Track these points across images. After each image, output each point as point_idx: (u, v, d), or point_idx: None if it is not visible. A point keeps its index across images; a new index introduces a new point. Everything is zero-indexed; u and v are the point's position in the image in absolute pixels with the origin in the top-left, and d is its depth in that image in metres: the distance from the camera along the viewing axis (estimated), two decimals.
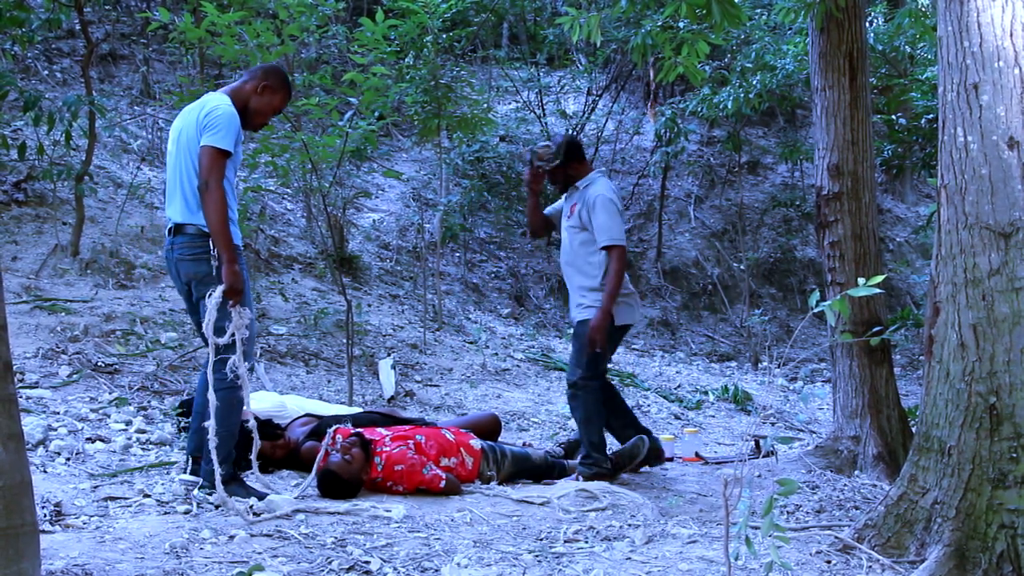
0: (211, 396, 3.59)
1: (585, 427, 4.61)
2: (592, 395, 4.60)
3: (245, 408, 3.76)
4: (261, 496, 3.73)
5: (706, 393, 8.09)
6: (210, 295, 3.62)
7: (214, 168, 3.64)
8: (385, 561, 3.07)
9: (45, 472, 3.96)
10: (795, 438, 6.39)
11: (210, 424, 3.56)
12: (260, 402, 4.80)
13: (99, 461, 4.25)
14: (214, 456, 3.57)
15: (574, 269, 4.75)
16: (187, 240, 3.75)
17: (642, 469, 4.88)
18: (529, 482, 4.55)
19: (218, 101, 3.80)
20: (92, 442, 4.50)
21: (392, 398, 6.43)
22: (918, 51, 10.86)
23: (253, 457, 3.74)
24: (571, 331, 4.78)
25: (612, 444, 5.07)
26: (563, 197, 4.94)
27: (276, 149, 6.50)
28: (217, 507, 3.65)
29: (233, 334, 3.62)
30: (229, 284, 3.62)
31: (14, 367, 2.33)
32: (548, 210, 5.08)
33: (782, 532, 2.30)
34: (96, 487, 3.85)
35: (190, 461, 3.92)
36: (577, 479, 4.46)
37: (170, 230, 3.83)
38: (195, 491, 3.76)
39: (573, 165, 4.83)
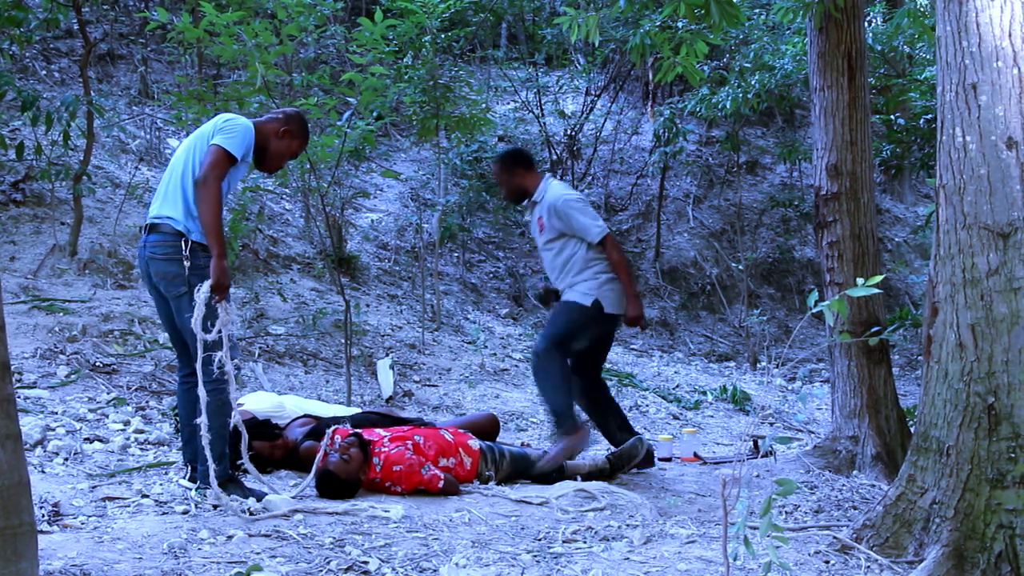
0: (201, 392, 3.59)
1: (553, 394, 4.58)
2: (556, 363, 4.61)
3: (235, 409, 3.76)
4: (259, 496, 3.73)
5: (704, 393, 8.08)
6: (198, 290, 3.60)
7: (217, 166, 3.67)
8: (383, 561, 3.07)
9: (43, 472, 3.95)
10: (793, 438, 6.39)
11: (202, 420, 3.57)
12: (258, 402, 4.81)
13: (97, 461, 4.24)
14: (208, 454, 3.58)
15: (560, 273, 4.84)
16: (160, 239, 3.74)
17: (635, 471, 4.88)
18: (527, 482, 4.55)
19: (240, 118, 3.86)
20: (90, 442, 4.50)
21: (390, 398, 6.42)
22: (917, 51, 10.87)
23: (244, 451, 3.74)
24: None
25: (606, 446, 5.08)
26: (526, 216, 5.05)
27: None
28: (216, 507, 3.65)
29: (220, 331, 3.61)
30: (217, 279, 3.60)
31: (12, 367, 2.33)
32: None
33: (780, 532, 2.30)
34: (94, 487, 3.84)
35: (189, 469, 3.94)
36: (564, 445, 4.48)
37: (145, 228, 3.83)
38: (192, 492, 3.76)
39: (519, 173, 4.92)
